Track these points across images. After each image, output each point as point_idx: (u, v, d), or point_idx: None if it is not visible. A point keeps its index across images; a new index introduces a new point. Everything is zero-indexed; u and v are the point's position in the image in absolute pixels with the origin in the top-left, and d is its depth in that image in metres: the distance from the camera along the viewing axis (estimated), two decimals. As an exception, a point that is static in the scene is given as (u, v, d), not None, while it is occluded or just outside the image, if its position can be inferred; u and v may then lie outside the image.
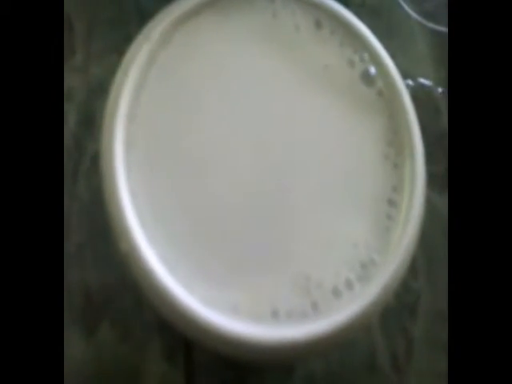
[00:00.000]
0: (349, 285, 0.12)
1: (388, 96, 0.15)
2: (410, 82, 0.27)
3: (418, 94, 0.26)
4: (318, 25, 0.16)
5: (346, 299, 0.12)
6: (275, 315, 0.12)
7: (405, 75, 0.26)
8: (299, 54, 0.15)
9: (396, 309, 0.21)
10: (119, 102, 0.13)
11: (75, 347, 0.20)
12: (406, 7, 0.29)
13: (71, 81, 0.25)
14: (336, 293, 0.12)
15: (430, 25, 0.29)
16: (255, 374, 0.20)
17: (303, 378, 0.20)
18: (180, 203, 0.13)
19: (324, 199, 0.14)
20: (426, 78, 0.27)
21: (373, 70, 0.15)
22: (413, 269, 0.22)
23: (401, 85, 0.15)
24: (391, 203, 0.14)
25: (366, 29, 0.15)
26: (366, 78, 0.15)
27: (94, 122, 0.24)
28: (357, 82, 0.15)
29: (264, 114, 0.14)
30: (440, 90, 0.27)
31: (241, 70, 0.15)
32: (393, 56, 0.27)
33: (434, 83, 0.27)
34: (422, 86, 0.27)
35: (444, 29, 0.28)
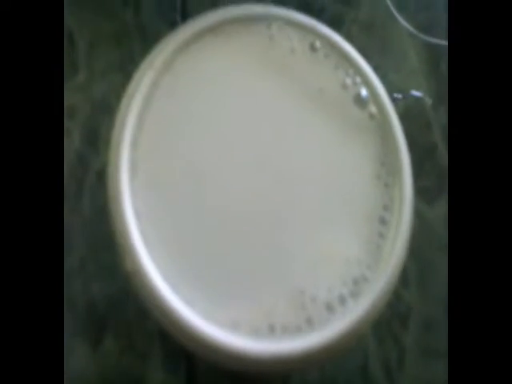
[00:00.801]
0: (342, 300, 0.13)
1: (379, 119, 0.15)
2: (399, 96, 0.27)
3: (409, 108, 0.27)
4: (312, 48, 0.16)
5: (339, 314, 0.12)
6: (272, 330, 0.12)
7: (397, 88, 0.27)
8: (295, 76, 0.16)
9: (388, 318, 0.22)
10: (124, 130, 0.13)
11: (80, 358, 0.20)
12: (401, 20, 0.30)
13: (74, 98, 0.25)
14: (329, 308, 0.13)
15: (425, 37, 0.30)
16: (253, 382, 0.21)
17: (300, 383, 0.20)
18: (181, 223, 0.13)
19: (319, 218, 0.14)
20: (418, 90, 0.28)
21: (365, 93, 0.16)
22: (404, 279, 0.23)
23: (391, 109, 0.15)
24: (382, 222, 0.14)
25: (357, 53, 0.16)
26: (359, 100, 0.16)
27: (97, 139, 0.24)
28: (350, 105, 0.16)
29: (262, 136, 0.15)
30: (430, 101, 0.28)
31: (240, 92, 0.15)
32: (386, 70, 0.27)
33: (425, 95, 0.28)
34: (414, 97, 0.28)
35: (439, 41, 0.29)
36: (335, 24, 0.28)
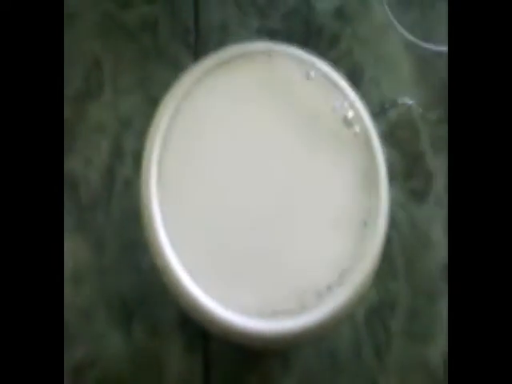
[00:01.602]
0: (329, 289, 0.15)
1: (363, 137, 0.18)
2: (388, 105, 0.29)
3: (400, 118, 0.29)
4: (308, 77, 0.19)
5: (327, 300, 0.15)
6: (274, 313, 0.15)
7: (390, 97, 0.29)
8: (293, 101, 0.18)
9: (378, 306, 0.23)
10: (152, 150, 0.16)
11: (113, 342, 0.22)
12: (400, 28, 0.32)
13: (102, 115, 0.27)
14: (319, 295, 0.15)
15: (424, 44, 0.32)
16: (260, 364, 0.23)
17: (300, 365, 0.22)
18: (201, 226, 0.16)
19: (312, 221, 0.17)
20: (408, 99, 0.30)
21: (351, 115, 0.18)
22: (393, 272, 0.25)
23: (372, 128, 0.18)
24: (365, 224, 0.17)
25: (344, 82, 0.18)
26: (346, 121, 0.18)
27: (123, 151, 0.26)
28: (338, 125, 0.18)
29: (265, 152, 0.17)
30: (420, 110, 0.30)
31: (247, 115, 0.18)
32: (380, 80, 0.29)
33: (415, 104, 0.30)
34: (405, 107, 0.30)
35: (435, 47, 0.31)
36: (334, 40, 0.31)
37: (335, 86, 0.18)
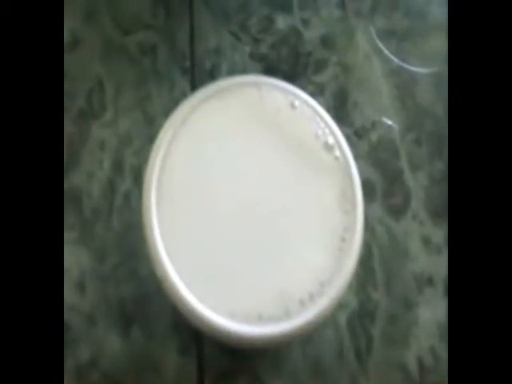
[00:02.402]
0: (311, 297, 0.17)
1: (342, 161, 0.19)
2: (388, 121, 0.31)
3: (380, 139, 0.31)
4: (292, 106, 0.20)
5: (308, 307, 0.16)
6: (260, 318, 0.16)
7: (371, 120, 0.31)
8: (279, 128, 0.19)
9: (360, 313, 0.25)
10: (152, 173, 0.18)
11: (112, 345, 0.23)
12: (387, 52, 0.33)
13: (104, 133, 0.28)
14: (302, 303, 0.17)
15: (408, 66, 0.33)
16: (251, 366, 0.24)
17: (288, 367, 0.23)
18: (196, 240, 0.17)
19: (296, 236, 0.18)
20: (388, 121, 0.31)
21: (331, 141, 0.20)
22: (374, 282, 0.26)
23: (349, 153, 0.19)
24: (343, 239, 0.18)
25: (324, 111, 0.20)
26: (327, 147, 0.20)
27: (124, 167, 0.28)
28: (320, 150, 0.19)
29: (254, 175, 0.19)
30: (397, 128, 0.31)
31: (237, 141, 0.19)
32: (362, 105, 0.31)
33: (394, 124, 0.31)
34: (384, 129, 0.31)
35: (420, 70, 0.32)
36: (320, 66, 0.32)
37: (317, 113, 0.20)
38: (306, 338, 0.24)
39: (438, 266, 0.27)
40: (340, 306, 0.25)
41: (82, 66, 0.30)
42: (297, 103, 0.20)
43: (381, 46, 0.34)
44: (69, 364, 0.23)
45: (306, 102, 0.20)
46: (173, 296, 0.17)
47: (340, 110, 0.31)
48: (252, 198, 0.18)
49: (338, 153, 0.19)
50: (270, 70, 0.31)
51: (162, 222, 0.17)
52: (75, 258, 0.25)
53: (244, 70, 0.31)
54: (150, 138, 0.19)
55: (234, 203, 0.18)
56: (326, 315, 0.17)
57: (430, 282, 0.26)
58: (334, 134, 0.20)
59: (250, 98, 0.20)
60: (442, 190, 0.29)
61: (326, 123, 0.20)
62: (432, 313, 0.26)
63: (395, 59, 0.33)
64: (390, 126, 0.31)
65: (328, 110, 0.20)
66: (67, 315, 0.24)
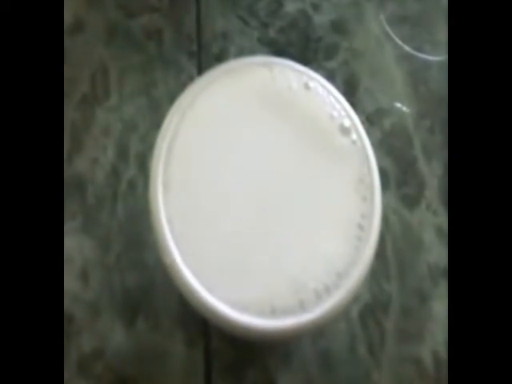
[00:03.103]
0: (327, 289, 0.15)
1: (359, 144, 0.18)
2: (402, 106, 0.29)
3: (394, 126, 0.29)
4: (306, 87, 0.19)
5: (324, 300, 0.15)
6: (273, 312, 0.15)
7: (384, 107, 0.29)
8: (292, 109, 0.18)
9: (372, 305, 0.24)
10: (159, 159, 0.16)
11: (118, 336, 0.22)
12: (396, 39, 0.32)
13: (108, 118, 0.27)
14: (317, 295, 0.15)
15: (419, 54, 0.32)
16: (260, 359, 0.23)
17: (298, 360, 0.22)
18: (204, 227, 0.16)
19: (311, 223, 0.17)
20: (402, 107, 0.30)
21: (347, 123, 0.18)
22: (387, 273, 0.25)
23: (366, 138, 0.18)
24: (360, 227, 0.17)
25: (339, 93, 0.19)
26: (343, 129, 0.18)
27: (128, 153, 0.27)
28: (336, 132, 0.18)
29: (267, 159, 0.17)
30: (408, 110, 0.30)
31: (248, 120, 0.18)
32: (374, 91, 0.30)
33: (407, 110, 0.30)
34: (397, 115, 0.30)
35: (430, 58, 0.31)
36: (331, 52, 0.31)
37: (332, 95, 0.19)
38: (316, 331, 0.23)
39: (453, 257, 0.25)
40: (355, 300, 0.24)
41: (85, 51, 0.29)
42: (311, 84, 0.19)
43: (391, 33, 0.33)
44: (72, 355, 0.22)
45: (320, 83, 0.19)
46: (180, 285, 0.15)
47: (351, 96, 0.29)
48: (265, 182, 0.17)
49: (354, 136, 0.18)
50: (279, 55, 0.30)
51: (169, 207, 0.16)
52: (79, 247, 0.24)
53: (252, 55, 0.30)
54: (156, 124, 0.18)
55: (245, 188, 0.17)
56: (342, 308, 0.15)
57: (445, 273, 0.25)
58: (350, 116, 0.18)
59: (262, 78, 0.19)
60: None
61: (342, 105, 0.18)
62: (447, 305, 0.24)
63: (406, 47, 0.32)
64: (403, 112, 0.30)
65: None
66: (70, 305, 0.23)
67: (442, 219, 0.27)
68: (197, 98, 0.18)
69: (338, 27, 0.32)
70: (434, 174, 0.28)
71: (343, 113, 0.18)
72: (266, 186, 0.17)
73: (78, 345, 0.22)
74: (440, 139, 0.29)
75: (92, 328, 0.23)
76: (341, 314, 0.15)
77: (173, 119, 0.17)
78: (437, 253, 0.26)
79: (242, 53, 0.30)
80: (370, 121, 0.29)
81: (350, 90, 0.30)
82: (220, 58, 0.30)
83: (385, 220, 0.26)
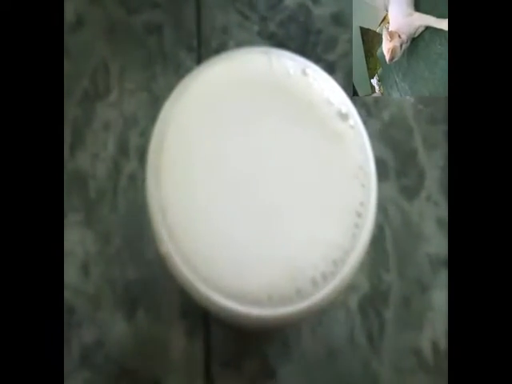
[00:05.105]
0: (323, 277, 0.15)
1: (357, 130, 0.17)
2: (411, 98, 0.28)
3: (393, 117, 0.29)
4: (304, 73, 0.18)
5: (321, 287, 0.15)
6: (270, 299, 0.15)
7: (384, 98, 0.29)
8: (290, 94, 0.17)
9: (372, 295, 0.23)
10: (155, 145, 0.16)
11: (118, 328, 0.22)
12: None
13: (109, 114, 0.27)
14: (314, 283, 0.15)
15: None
16: (259, 349, 0.23)
17: (298, 350, 0.22)
18: (199, 217, 0.15)
19: (309, 210, 0.16)
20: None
21: (344, 109, 0.18)
22: (386, 264, 0.24)
23: (361, 124, 0.17)
24: (358, 215, 0.16)
25: (335, 82, 0.18)
26: (341, 115, 0.17)
27: (129, 148, 0.26)
28: (334, 117, 0.17)
29: (265, 144, 0.16)
30: (412, 99, 0.29)
31: (244, 108, 0.17)
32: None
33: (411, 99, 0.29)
34: (397, 107, 0.29)
35: None
36: (330, 44, 0.30)
37: (329, 82, 0.18)
38: (316, 321, 0.22)
39: (454, 247, 0.25)
40: (351, 288, 0.23)
41: (86, 46, 0.28)
42: (308, 71, 0.18)
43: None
44: (73, 347, 0.22)
45: (316, 70, 0.18)
46: (175, 275, 0.15)
47: (351, 88, 0.29)
48: (262, 168, 0.16)
49: (352, 122, 0.17)
50: (279, 48, 0.29)
51: (163, 197, 0.16)
52: (80, 240, 0.24)
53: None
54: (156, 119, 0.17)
55: (241, 175, 0.16)
56: (338, 295, 0.15)
57: (445, 263, 0.24)
58: (346, 103, 0.18)
59: (259, 64, 0.18)
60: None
61: (338, 92, 0.18)
62: (447, 295, 0.24)
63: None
64: (404, 102, 0.29)
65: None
66: (72, 298, 0.22)
67: (442, 210, 0.26)
68: (191, 85, 0.17)
69: (338, 20, 0.31)
70: (434, 164, 0.27)
71: (339, 99, 0.18)
72: (263, 173, 0.16)
73: (80, 336, 0.22)
74: (441, 130, 0.28)
75: (93, 320, 0.22)
76: (337, 300, 0.15)
77: (167, 107, 0.17)
78: (436, 243, 0.25)
79: (241, 47, 0.30)
80: (370, 112, 0.28)
81: (349, 82, 0.29)
82: (220, 52, 0.29)
83: (384, 211, 0.25)
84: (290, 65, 0.18)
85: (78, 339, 0.22)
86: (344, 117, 0.17)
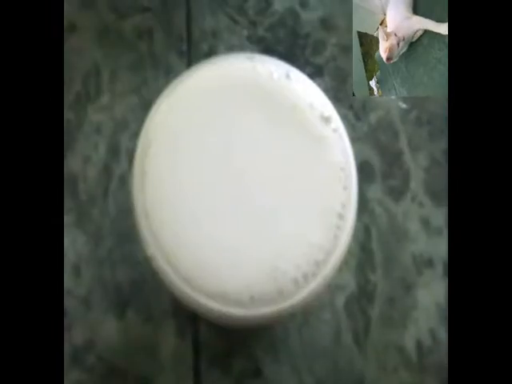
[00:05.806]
0: (305, 277, 0.15)
1: (340, 133, 0.17)
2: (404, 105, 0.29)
3: (380, 120, 0.29)
4: (287, 77, 0.18)
5: (302, 287, 0.15)
6: (252, 300, 0.15)
7: (373, 100, 0.29)
8: (274, 98, 0.17)
9: (358, 295, 0.23)
10: (141, 149, 0.16)
11: (108, 328, 0.22)
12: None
13: (100, 117, 0.27)
14: (296, 283, 0.15)
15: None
16: (247, 348, 0.23)
17: (284, 348, 0.22)
18: (182, 220, 0.15)
19: (291, 212, 0.16)
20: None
21: (326, 113, 0.18)
22: (372, 264, 0.25)
23: (343, 127, 0.17)
24: (340, 217, 0.16)
25: (317, 86, 0.18)
26: (323, 118, 0.18)
27: (120, 151, 0.26)
28: (317, 120, 0.17)
29: (247, 144, 0.17)
30: (404, 105, 0.29)
31: (228, 110, 0.17)
32: (362, 84, 0.29)
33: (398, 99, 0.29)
34: (384, 110, 0.29)
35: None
36: (319, 47, 0.31)
37: (311, 85, 0.18)
38: (303, 320, 0.22)
39: (438, 247, 0.25)
40: (337, 287, 0.23)
41: (77, 51, 0.29)
42: (291, 75, 0.18)
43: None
44: (65, 348, 0.22)
45: (299, 74, 0.18)
46: (160, 277, 0.15)
47: (339, 91, 0.29)
48: (245, 170, 0.16)
49: (334, 125, 0.17)
50: (268, 52, 0.29)
51: (147, 199, 0.16)
52: (71, 242, 0.24)
53: (241, 52, 0.29)
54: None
55: (224, 177, 0.16)
56: (319, 295, 0.15)
57: (429, 263, 0.25)
58: (328, 106, 0.18)
59: (243, 68, 0.18)
60: (443, 171, 0.27)
61: (320, 95, 0.18)
62: (431, 295, 0.24)
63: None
64: (396, 107, 0.29)
65: (326, 91, 0.19)
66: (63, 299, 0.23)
67: (427, 210, 0.26)
68: (177, 90, 0.17)
69: (326, 24, 0.31)
70: (419, 166, 0.27)
71: (322, 102, 0.18)
72: (246, 175, 0.16)
73: (71, 337, 0.22)
74: (426, 131, 0.29)
75: (84, 321, 0.22)
76: (319, 299, 0.15)
77: (153, 111, 0.17)
78: (422, 243, 0.25)
79: (231, 51, 0.30)
80: (357, 116, 0.29)
81: (337, 85, 0.30)
82: (210, 56, 0.29)
83: (370, 211, 0.26)
84: (273, 68, 0.18)
85: (69, 340, 0.22)
86: (326, 120, 0.18)
